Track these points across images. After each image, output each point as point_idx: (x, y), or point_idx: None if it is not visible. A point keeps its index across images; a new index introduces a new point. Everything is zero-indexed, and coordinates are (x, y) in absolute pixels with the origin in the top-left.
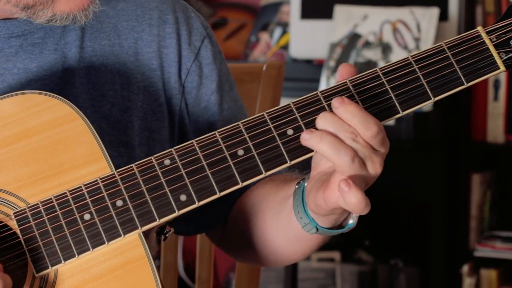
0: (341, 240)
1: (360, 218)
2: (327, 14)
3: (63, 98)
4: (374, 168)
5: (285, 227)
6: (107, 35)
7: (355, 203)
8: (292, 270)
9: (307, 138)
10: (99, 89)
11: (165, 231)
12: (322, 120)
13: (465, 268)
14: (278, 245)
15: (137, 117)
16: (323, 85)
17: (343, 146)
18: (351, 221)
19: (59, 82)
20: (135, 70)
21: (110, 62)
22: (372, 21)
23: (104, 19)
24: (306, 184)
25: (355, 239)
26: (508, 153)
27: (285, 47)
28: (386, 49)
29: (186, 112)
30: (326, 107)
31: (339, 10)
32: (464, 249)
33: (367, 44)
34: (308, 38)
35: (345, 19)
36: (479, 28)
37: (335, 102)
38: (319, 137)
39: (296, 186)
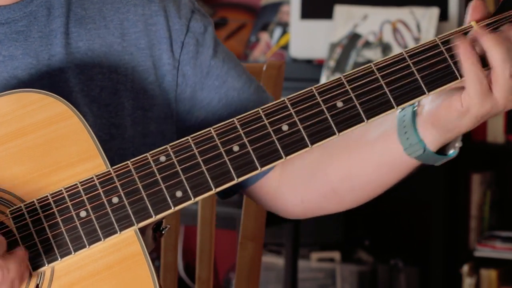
0: (341, 240)
1: (360, 218)
2: (327, 14)
3: (57, 96)
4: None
5: (380, 153)
6: (93, 20)
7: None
8: (292, 270)
9: (481, 33)
10: (87, 73)
11: (161, 228)
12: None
13: (465, 268)
14: (365, 174)
15: (128, 98)
16: None
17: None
18: (452, 151)
19: (47, 69)
20: (122, 51)
21: (97, 46)
22: (372, 21)
23: (88, 6)
24: (416, 108)
25: (355, 239)
26: (508, 153)
27: (285, 47)
28: (386, 49)
29: (185, 85)
30: (321, 102)
31: (339, 10)
32: (464, 249)
33: (367, 44)
34: (308, 38)
35: (345, 19)
36: (473, 23)
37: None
38: (496, 39)
39: (401, 112)
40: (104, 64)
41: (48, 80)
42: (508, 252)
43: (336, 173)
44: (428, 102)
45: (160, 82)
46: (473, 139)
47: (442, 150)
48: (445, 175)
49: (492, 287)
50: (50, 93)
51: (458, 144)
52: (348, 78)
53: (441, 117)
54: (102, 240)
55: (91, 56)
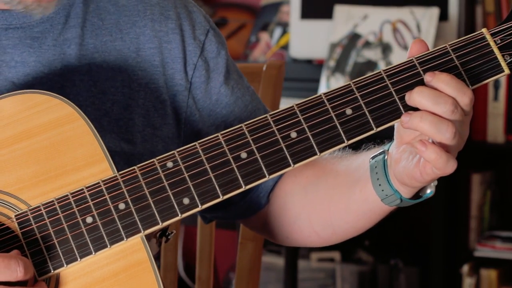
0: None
1: None
2: (327, 14)
3: (64, 98)
4: (466, 133)
5: (359, 203)
6: (109, 31)
7: (434, 158)
8: (292, 270)
9: (407, 121)
10: (100, 87)
11: (167, 233)
12: (419, 94)
13: (465, 268)
14: (346, 222)
15: (139, 114)
16: (323, 85)
17: (444, 123)
18: (429, 190)
19: (59, 79)
20: (136, 66)
21: (112, 59)
22: (372, 21)
23: (105, 16)
24: (386, 157)
25: (355, 239)
26: (508, 153)
27: (285, 47)
28: (386, 49)
29: (195, 108)
30: (330, 109)
31: (339, 10)
32: (464, 249)
33: (367, 44)
34: (308, 38)
35: (345, 19)
36: (484, 30)
37: (427, 77)
38: (419, 117)
39: (372, 160)
40: (118, 78)
41: (58, 90)
42: (508, 252)
43: (318, 220)
44: (394, 155)
45: (171, 102)
46: (473, 139)
47: (418, 191)
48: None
49: (492, 287)
50: (55, 94)
51: (434, 183)
52: (358, 85)
53: (407, 182)
54: (108, 247)
55: (105, 68)
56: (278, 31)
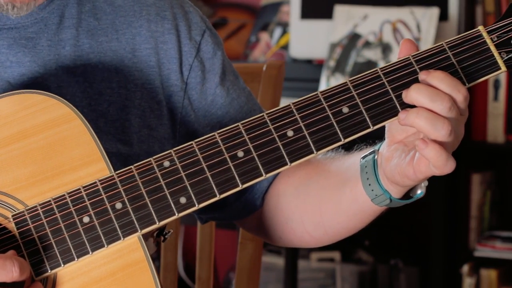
0: (341, 240)
1: None
2: (327, 14)
3: (60, 98)
4: (461, 132)
5: (349, 203)
6: (105, 32)
7: (434, 156)
8: (292, 270)
9: (403, 118)
10: (96, 88)
11: (164, 233)
12: (416, 91)
13: (465, 268)
14: (337, 223)
15: (135, 115)
16: (323, 85)
17: (439, 120)
18: (420, 191)
19: (54, 80)
20: (132, 67)
21: (108, 59)
22: (372, 21)
23: (101, 16)
24: (376, 157)
25: (355, 239)
26: (508, 153)
27: (285, 47)
28: (386, 49)
29: (191, 109)
30: (327, 108)
31: (339, 10)
32: (464, 249)
33: (367, 44)
34: (308, 38)
35: (345, 19)
36: (480, 28)
37: (422, 75)
38: (415, 113)
39: (362, 160)
40: (114, 79)
41: (55, 91)
42: (508, 252)
43: (310, 220)
44: (384, 154)
45: (167, 102)
46: (473, 139)
47: (409, 191)
48: (445, 175)
49: (492, 287)
50: (52, 94)
51: (424, 184)
52: (354, 83)
53: (398, 181)
54: (105, 246)
55: (101, 69)
56: (278, 31)
